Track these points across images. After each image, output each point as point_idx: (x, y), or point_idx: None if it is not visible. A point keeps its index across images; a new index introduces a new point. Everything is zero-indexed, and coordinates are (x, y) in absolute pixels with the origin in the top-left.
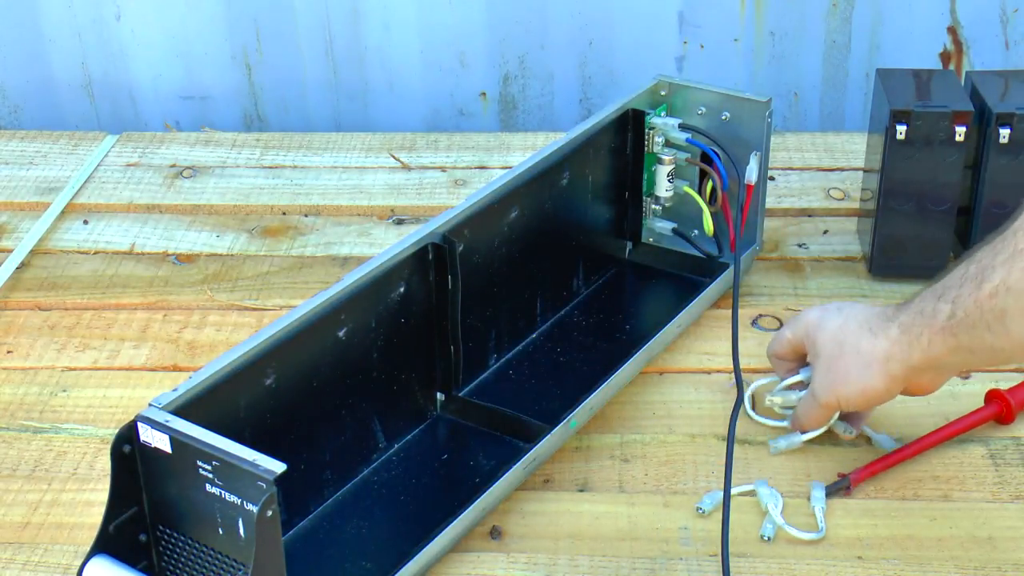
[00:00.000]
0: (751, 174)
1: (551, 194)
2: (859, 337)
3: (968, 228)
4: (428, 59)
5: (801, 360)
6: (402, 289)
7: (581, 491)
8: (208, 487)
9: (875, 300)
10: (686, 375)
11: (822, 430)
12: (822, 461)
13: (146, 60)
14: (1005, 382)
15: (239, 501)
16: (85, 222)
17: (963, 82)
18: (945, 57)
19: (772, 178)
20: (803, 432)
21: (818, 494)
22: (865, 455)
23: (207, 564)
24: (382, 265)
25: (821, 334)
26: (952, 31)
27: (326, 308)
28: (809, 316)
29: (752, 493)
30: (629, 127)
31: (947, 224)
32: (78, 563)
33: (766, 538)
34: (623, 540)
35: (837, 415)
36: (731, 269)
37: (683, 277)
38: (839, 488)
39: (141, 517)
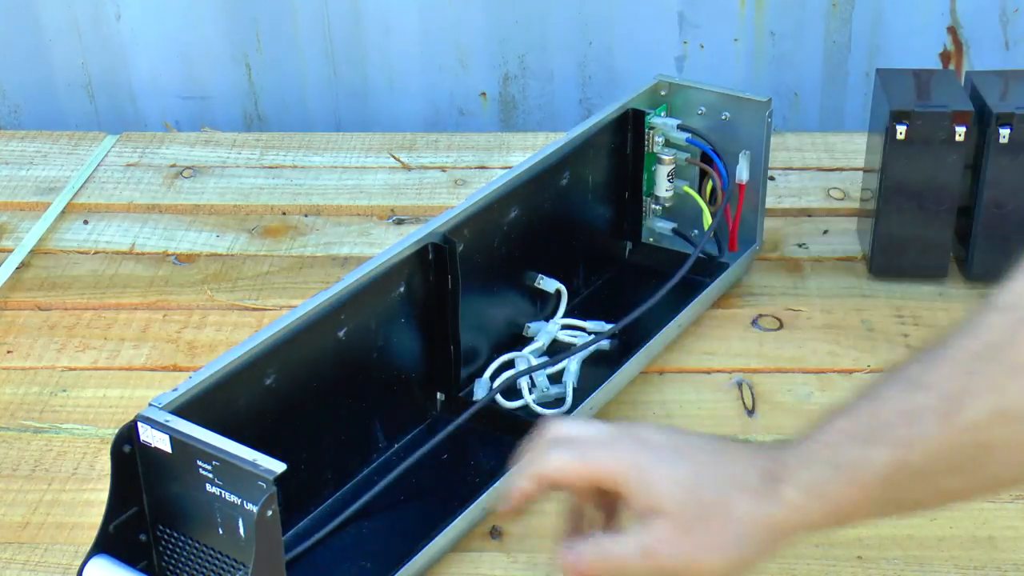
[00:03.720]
0: (741, 173)
1: (551, 194)
2: (732, 499)
3: (968, 228)
4: (428, 59)
5: (590, 500)
6: (402, 289)
7: None
8: (208, 487)
9: (875, 300)
10: (686, 375)
11: None
12: None
13: (146, 60)
14: None
15: (239, 501)
16: (85, 222)
17: (963, 82)
18: (945, 57)
19: (772, 178)
20: None
21: (573, 368)
22: None
23: (207, 564)
24: (382, 265)
25: (662, 484)
26: (952, 31)
27: (326, 308)
28: (625, 453)
29: None
30: (629, 127)
31: (947, 224)
32: (78, 563)
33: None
34: None
35: None
36: (732, 269)
37: (683, 277)
38: None
39: (141, 517)
